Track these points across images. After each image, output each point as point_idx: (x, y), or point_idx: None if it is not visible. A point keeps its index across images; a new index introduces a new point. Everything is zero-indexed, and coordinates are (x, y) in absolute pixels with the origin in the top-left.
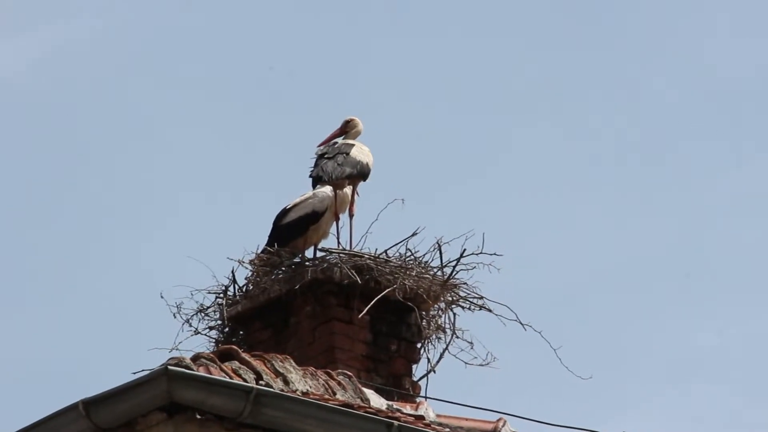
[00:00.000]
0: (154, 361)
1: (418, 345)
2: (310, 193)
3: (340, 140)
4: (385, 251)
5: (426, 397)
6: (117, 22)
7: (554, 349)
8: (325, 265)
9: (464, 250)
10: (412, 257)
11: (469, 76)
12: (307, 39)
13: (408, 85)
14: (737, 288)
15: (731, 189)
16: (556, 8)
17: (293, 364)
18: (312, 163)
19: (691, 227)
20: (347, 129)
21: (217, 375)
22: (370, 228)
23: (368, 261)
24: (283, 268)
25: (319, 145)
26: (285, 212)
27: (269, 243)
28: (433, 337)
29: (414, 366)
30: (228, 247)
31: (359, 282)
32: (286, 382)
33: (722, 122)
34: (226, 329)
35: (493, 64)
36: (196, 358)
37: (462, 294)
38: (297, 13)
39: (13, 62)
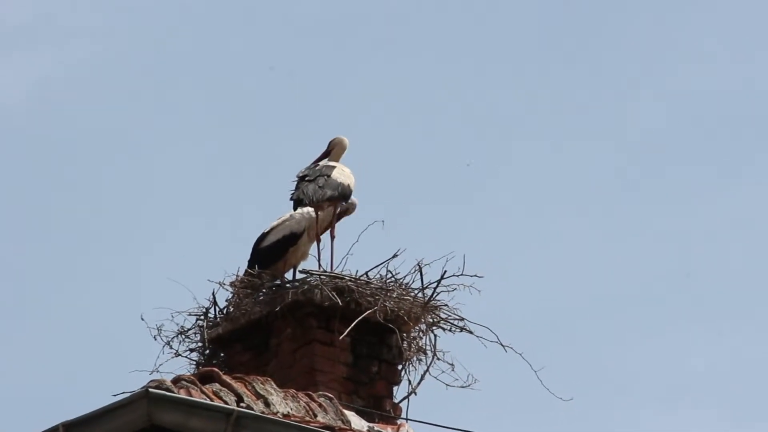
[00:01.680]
0: (134, 384)
1: (399, 367)
2: (287, 215)
3: (321, 162)
4: (366, 273)
5: (407, 419)
6: (114, 40)
7: (535, 371)
8: (305, 287)
9: (445, 271)
10: (393, 279)
11: (453, 98)
12: (291, 50)
13: (388, 105)
14: (725, 312)
15: (719, 212)
16: (542, 32)
17: (274, 386)
18: (293, 185)
19: (677, 250)
20: (331, 148)
21: (197, 397)
22: (351, 249)
23: (349, 283)
24: (264, 290)
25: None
26: (263, 236)
27: (250, 266)
28: (414, 358)
29: (395, 388)
30: (208, 270)
31: (340, 304)
32: (267, 404)
33: (709, 145)
34: (207, 351)
35: (479, 86)
36: (176, 381)
37: (443, 315)
38: (288, 24)
39: (10, 86)
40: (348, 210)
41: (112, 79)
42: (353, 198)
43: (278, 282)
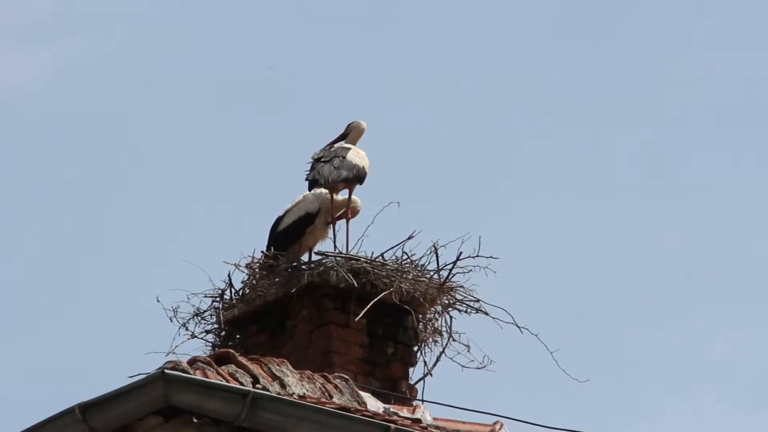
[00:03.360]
0: (150, 365)
1: (415, 348)
2: (300, 196)
3: (337, 144)
4: (382, 254)
5: (423, 401)
6: (119, 38)
7: (551, 352)
8: (321, 269)
9: (461, 253)
10: (409, 260)
11: (473, 84)
12: (308, 40)
13: (406, 87)
14: (747, 299)
15: (741, 200)
16: (562, 22)
17: (290, 367)
18: (308, 167)
19: (699, 238)
20: (348, 131)
21: (213, 378)
22: (367, 231)
23: (365, 264)
24: (280, 272)
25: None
26: (279, 219)
27: (268, 249)
28: (430, 340)
29: (411, 369)
30: (224, 251)
31: (356, 285)
32: (282, 385)
33: (730, 133)
34: (223, 333)
35: (500, 72)
36: (192, 362)
37: (458, 297)
38: (298, 14)
39: (27, 75)
40: (353, 211)
41: (133, 68)
42: (356, 198)
43: (294, 264)
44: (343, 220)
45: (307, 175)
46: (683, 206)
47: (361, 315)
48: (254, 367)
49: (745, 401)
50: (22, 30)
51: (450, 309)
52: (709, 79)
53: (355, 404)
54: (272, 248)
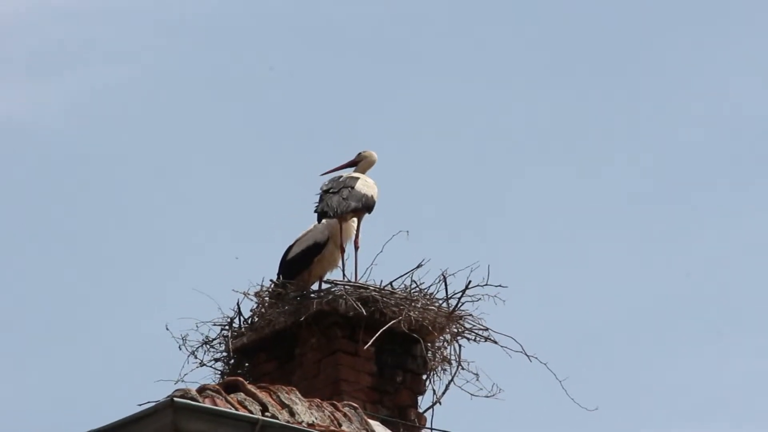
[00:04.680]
0: (159, 393)
1: (424, 376)
2: (311, 226)
3: (344, 174)
4: (390, 283)
5: (432, 429)
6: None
7: (560, 381)
8: (330, 297)
9: (469, 281)
10: (418, 289)
11: (481, 108)
12: (321, 68)
13: (414, 115)
14: (760, 325)
15: (752, 227)
16: (571, 47)
17: (299, 395)
18: (317, 198)
19: (710, 265)
20: (358, 160)
21: (222, 406)
22: (375, 260)
23: (373, 293)
24: (289, 300)
25: (326, 173)
26: (289, 248)
27: (277, 278)
28: (439, 368)
29: (419, 397)
30: (233, 280)
31: (364, 314)
32: (291, 413)
33: (743, 163)
34: (232, 361)
35: (508, 98)
36: (201, 390)
37: (467, 325)
38: (313, 41)
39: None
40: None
41: (138, 99)
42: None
43: (303, 292)
44: (352, 248)
45: (316, 207)
46: (693, 233)
47: (369, 343)
48: (263, 395)
49: (761, 427)
50: (32, 62)
51: (459, 337)
52: (721, 108)
53: None
54: (281, 277)
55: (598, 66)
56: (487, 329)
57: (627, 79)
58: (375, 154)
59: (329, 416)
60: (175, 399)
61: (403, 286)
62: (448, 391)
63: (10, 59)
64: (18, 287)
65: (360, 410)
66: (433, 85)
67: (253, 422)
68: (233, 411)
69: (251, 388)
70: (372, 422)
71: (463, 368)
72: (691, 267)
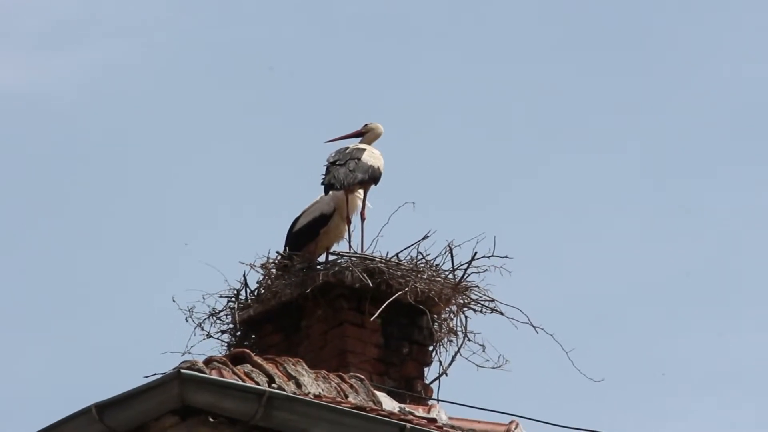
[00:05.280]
0: (166, 365)
1: (430, 348)
2: (317, 198)
3: (351, 145)
4: (397, 254)
5: (438, 400)
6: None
7: (566, 352)
8: (336, 269)
9: (475, 253)
10: (424, 260)
11: (490, 81)
12: (327, 42)
13: (421, 87)
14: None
15: (765, 200)
16: (585, 20)
17: (305, 367)
18: (323, 170)
19: (723, 238)
20: (365, 131)
21: (229, 378)
22: (381, 231)
23: (379, 264)
24: (295, 272)
25: (331, 140)
26: (296, 220)
27: (284, 250)
28: (445, 340)
29: (426, 369)
30: (240, 252)
31: (371, 285)
32: (298, 385)
33: (752, 137)
34: (238, 333)
35: (516, 74)
36: (208, 362)
37: (473, 297)
38: (320, 16)
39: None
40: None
41: (150, 74)
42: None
43: (309, 264)
44: (358, 219)
45: (323, 179)
46: (706, 206)
47: (376, 315)
48: (270, 367)
49: None
50: (44, 36)
51: (465, 309)
52: (733, 84)
53: (371, 404)
54: (287, 248)
55: (612, 39)
56: (493, 300)
57: (643, 54)
58: (381, 126)
59: (336, 388)
60: (182, 371)
61: (409, 257)
62: (454, 363)
63: (23, 33)
64: (27, 259)
65: (366, 382)
66: (439, 56)
67: (260, 394)
68: (240, 383)
69: (258, 359)
70: (378, 393)
71: (469, 339)
72: (702, 240)
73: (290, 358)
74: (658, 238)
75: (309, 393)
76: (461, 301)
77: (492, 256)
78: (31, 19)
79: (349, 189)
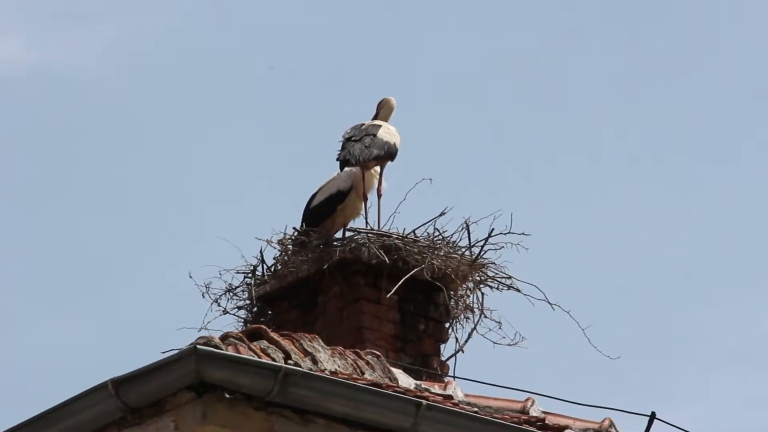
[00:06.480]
0: (182, 341)
1: (447, 325)
2: (334, 174)
3: (366, 121)
4: (413, 231)
5: (454, 377)
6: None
7: (583, 329)
8: (353, 245)
9: (492, 229)
10: (440, 237)
11: (505, 58)
12: (342, 15)
13: (439, 63)
14: None
15: None
16: (601, 7)
17: (322, 343)
18: (339, 146)
19: (747, 212)
20: (379, 109)
21: (245, 354)
22: (398, 208)
23: (396, 241)
24: (312, 248)
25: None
26: (313, 196)
27: (301, 226)
28: (462, 316)
29: (442, 346)
30: (256, 228)
31: (387, 262)
32: (314, 361)
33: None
34: (255, 309)
35: (533, 46)
36: (224, 338)
37: (490, 274)
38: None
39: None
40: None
41: (173, 48)
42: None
43: (326, 240)
44: (375, 196)
45: (338, 155)
46: (729, 181)
47: (392, 291)
48: (286, 343)
49: None
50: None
51: (482, 285)
52: (747, 60)
53: (387, 380)
54: (304, 225)
55: (630, 13)
56: (510, 277)
57: (663, 29)
58: (393, 100)
59: (352, 364)
60: (198, 347)
61: (426, 234)
62: (470, 339)
63: (47, 4)
64: (44, 235)
65: (383, 358)
66: (458, 31)
67: (276, 370)
68: (256, 359)
69: (274, 335)
70: (395, 370)
71: (485, 316)
72: (719, 216)
73: (306, 335)
74: (676, 212)
75: (325, 369)
76: (478, 278)
77: (509, 232)
78: None
79: (364, 165)
